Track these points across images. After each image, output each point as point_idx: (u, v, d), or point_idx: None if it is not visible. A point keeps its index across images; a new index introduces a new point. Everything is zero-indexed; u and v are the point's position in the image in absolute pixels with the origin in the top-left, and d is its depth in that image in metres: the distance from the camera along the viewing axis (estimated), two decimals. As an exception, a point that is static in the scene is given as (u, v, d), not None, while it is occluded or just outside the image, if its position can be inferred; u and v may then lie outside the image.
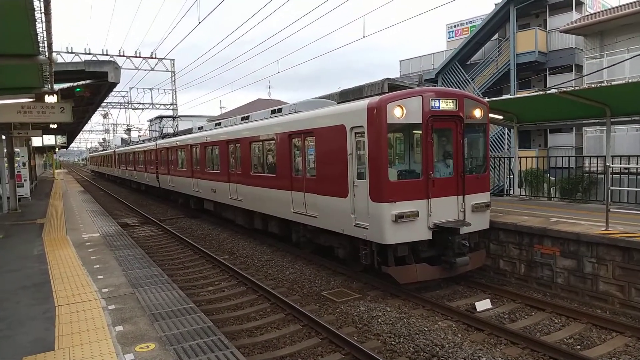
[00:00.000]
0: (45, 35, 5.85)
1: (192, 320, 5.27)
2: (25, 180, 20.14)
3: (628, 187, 13.22)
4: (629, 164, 13.35)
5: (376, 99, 8.17)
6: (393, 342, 6.49)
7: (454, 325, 7.10)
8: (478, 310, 7.63)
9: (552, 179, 15.55)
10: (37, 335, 4.91)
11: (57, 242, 10.20)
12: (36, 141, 24.96)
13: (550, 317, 7.36)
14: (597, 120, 12.08)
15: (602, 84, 10.20)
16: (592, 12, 23.92)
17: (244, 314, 7.84)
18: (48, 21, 5.26)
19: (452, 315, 7.45)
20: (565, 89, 10.09)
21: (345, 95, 10.26)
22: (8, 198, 16.39)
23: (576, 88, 10.12)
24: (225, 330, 6.92)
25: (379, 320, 7.29)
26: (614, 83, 9.74)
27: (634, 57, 16.17)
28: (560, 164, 16.04)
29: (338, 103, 10.20)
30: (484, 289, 8.72)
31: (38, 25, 5.43)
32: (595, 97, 10.08)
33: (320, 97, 11.44)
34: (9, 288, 6.71)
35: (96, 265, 7.96)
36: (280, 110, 12.26)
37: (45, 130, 21.78)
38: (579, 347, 6.33)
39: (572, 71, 23.07)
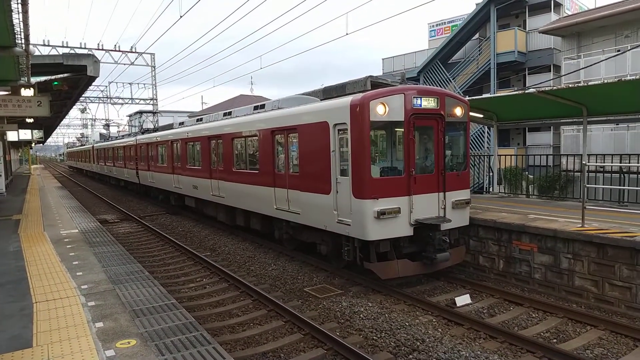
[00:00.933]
0: (22, 27, 5.71)
1: (174, 317, 5.24)
2: (0, 175, 19.62)
3: (603, 184, 13.57)
4: (604, 163, 13.71)
5: (359, 96, 8.22)
6: (375, 337, 6.55)
7: (434, 320, 7.20)
8: (458, 305, 7.76)
9: (531, 176, 15.87)
10: (14, 332, 4.81)
11: (34, 238, 9.98)
12: (11, 136, 24.26)
13: (528, 311, 7.53)
14: (574, 120, 12.37)
15: (579, 84, 10.45)
16: (570, 13, 24.43)
17: (225, 310, 7.81)
18: (25, 12, 5.14)
19: (432, 310, 7.56)
20: (543, 89, 10.31)
21: (329, 93, 10.28)
22: (-18, 194, 15.96)
23: (554, 88, 10.35)
24: (207, 326, 6.89)
25: (361, 315, 7.35)
26: (590, 83, 10.00)
27: (609, 58, 16.60)
28: (538, 162, 16.38)
29: (321, 100, 10.22)
30: (464, 285, 8.87)
31: (14, 15, 5.29)
32: (573, 96, 10.32)
33: (303, 94, 11.43)
34: (-16, 285, 6.55)
35: (75, 261, 7.83)
36: (263, 106, 12.21)
37: (21, 124, 21.21)
38: (555, 340, 6.49)
39: (550, 71, 23.55)
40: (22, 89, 10.73)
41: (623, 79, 8.93)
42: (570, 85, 10.27)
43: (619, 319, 6.99)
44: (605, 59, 16.63)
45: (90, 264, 7.66)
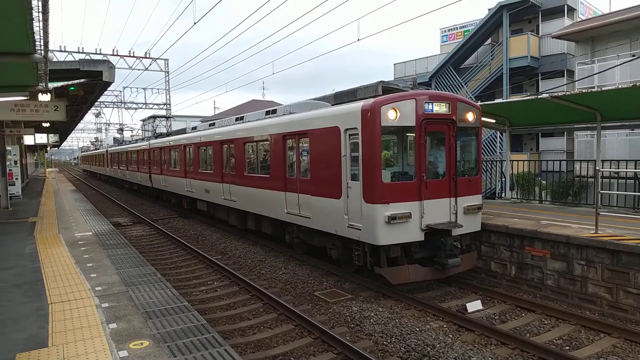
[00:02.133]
0: (42, 34, 5.85)
1: (186, 319, 5.30)
2: (16, 178, 19.97)
3: (617, 191, 13.41)
4: (618, 169, 13.55)
5: (370, 101, 8.25)
6: (385, 342, 6.55)
7: (445, 326, 7.18)
8: (469, 311, 7.72)
9: (544, 182, 15.72)
10: (31, 332, 4.91)
11: (50, 240, 10.16)
12: (28, 139, 24.76)
13: (540, 318, 7.46)
14: (588, 125, 12.26)
15: (593, 90, 10.38)
16: (584, 18, 24.23)
17: (236, 313, 7.87)
18: (45, 20, 5.27)
19: (443, 315, 7.53)
20: (556, 94, 10.26)
21: (340, 98, 10.33)
22: (-1, 196, 16.26)
23: (567, 93, 10.29)
24: (218, 329, 6.94)
25: (371, 320, 7.35)
26: (604, 89, 9.93)
27: (623, 63, 16.43)
28: (551, 168, 16.23)
29: (332, 105, 10.27)
30: (475, 290, 8.82)
31: (35, 23, 5.43)
32: (586, 102, 10.25)
33: (314, 99, 11.50)
34: (1, 286, 6.68)
35: (89, 263, 7.95)
36: (274, 111, 12.30)
37: (38, 128, 21.64)
38: (567, 347, 6.43)
39: (563, 76, 23.36)
40: (40, 94, 10.92)
41: (638, 84, 8.83)
42: (583, 91, 10.20)
43: (633, 327, 6.90)
44: (620, 64, 16.46)
45: (104, 266, 7.77)
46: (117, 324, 5.09)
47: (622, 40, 19.40)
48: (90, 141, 79.25)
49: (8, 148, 18.10)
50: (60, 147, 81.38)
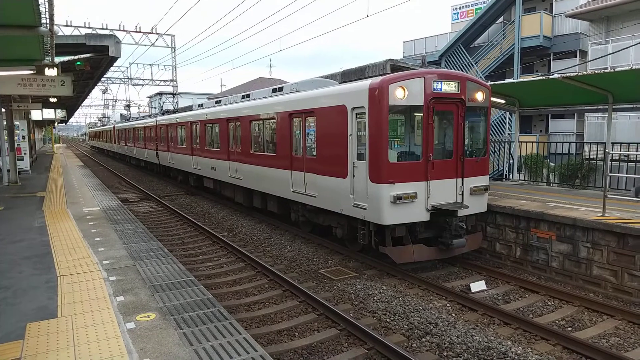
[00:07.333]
0: (47, 6, 5.80)
1: (192, 293, 5.37)
2: (25, 153, 20.12)
3: (627, 174, 13.27)
4: (628, 152, 13.38)
5: (378, 79, 8.15)
6: (388, 320, 6.62)
7: (448, 305, 7.23)
8: (473, 291, 7.76)
9: (552, 164, 15.59)
10: (41, 303, 5.01)
11: (58, 214, 10.27)
12: (35, 115, 24.84)
13: (544, 299, 7.49)
14: (599, 107, 12.06)
15: (606, 71, 10.17)
16: (600, -3, 23.59)
17: (242, 289, 7.97)
18: (50, -9, 5.21)
19: (447, 295, 7.58)
20: (568, 75, 10.06)
21: (347, 76, 10.21)
22: (8, 171, 16.40)
23: (579, 74, 10.10)
24: (224, 304, 7.04)
25: (375, 298, 7.41)
26: (617, 70, 9.71)
27: (639, 43, 16.04)
28: (560, 150, 16.07)
29: (340, 83, 10.16)
30: (479, 271, 8.85)
31: (40, -5, 5.38)
32: (598, 83, 10.06)
33: (322, 77, 11.38)
34: (12, 258, 6.79)
35: (97, 238, 8.04)
36: (281, 89, 12.20)
37: (45, 104, 21.68)
38: (570, 328, 6.47)
39: (576, 57, 22.91)
40: (46, 69, 10.90)
41: (652, 65, 8.65)
42: (596, 72, 10.00)
43: (637, 310, 6.91)
44: (635, 44, 16.08)
45: (111, 241, 7.86)
46: (124, 297, 5.17)
47: (638, 19, 18.91)
48: (98, 117, 79.43)
49: (16, 123, 18.18)
50: (68, 123, 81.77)
